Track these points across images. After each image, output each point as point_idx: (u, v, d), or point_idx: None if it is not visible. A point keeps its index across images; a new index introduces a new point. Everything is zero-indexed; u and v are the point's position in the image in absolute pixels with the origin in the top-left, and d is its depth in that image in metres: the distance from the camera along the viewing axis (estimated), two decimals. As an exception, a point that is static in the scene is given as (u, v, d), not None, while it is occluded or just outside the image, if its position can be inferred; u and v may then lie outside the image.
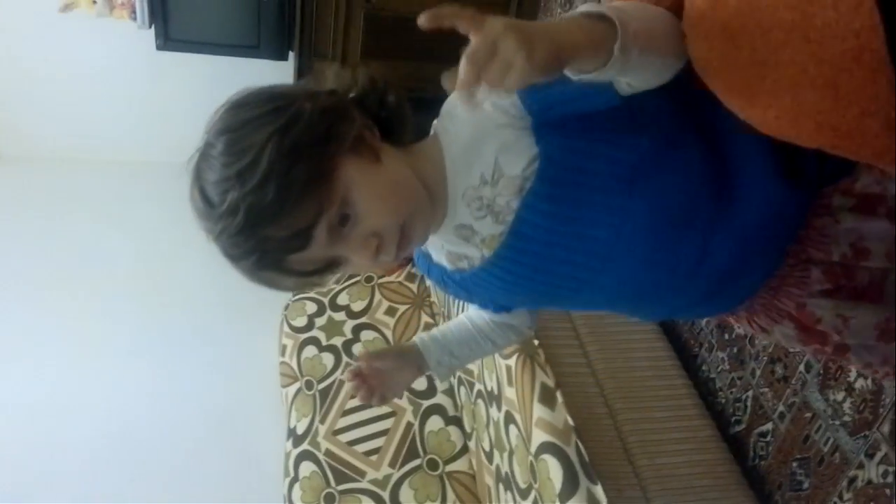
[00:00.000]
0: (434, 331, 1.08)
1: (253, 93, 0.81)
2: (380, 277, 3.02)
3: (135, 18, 3.36)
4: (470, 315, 1.08)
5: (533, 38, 0.63)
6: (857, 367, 0.92)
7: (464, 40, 0.74)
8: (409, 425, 2.44)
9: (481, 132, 0.81)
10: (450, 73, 0.66)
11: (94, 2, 3.45)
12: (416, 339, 1.07)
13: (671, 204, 0.80)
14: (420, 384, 2.54)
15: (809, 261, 0.83)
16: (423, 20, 0.67)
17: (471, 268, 0.90)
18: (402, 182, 0.82)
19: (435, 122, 0.87)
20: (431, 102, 3.23)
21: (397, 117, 0.86)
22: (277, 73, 3.67)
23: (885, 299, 0.84)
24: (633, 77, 0.75)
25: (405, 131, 0.87)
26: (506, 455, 1.94)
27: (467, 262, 0.90)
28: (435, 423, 2.45)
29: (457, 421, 2.46)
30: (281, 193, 0.72)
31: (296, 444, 2.45)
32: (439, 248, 0.93)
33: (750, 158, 0.80)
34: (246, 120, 0.77)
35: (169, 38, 3.37)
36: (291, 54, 3.49)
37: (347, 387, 0.99)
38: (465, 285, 0.93)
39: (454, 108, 0.85)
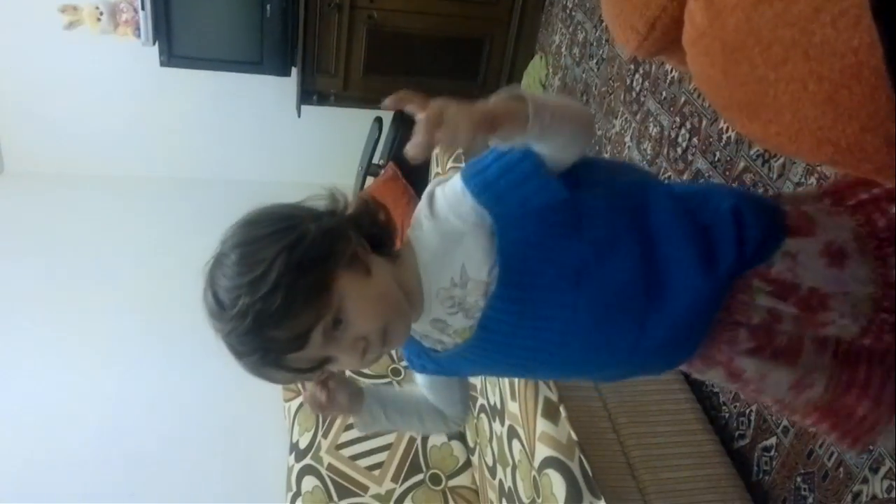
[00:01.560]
0: (382, 388, 1.22)
1: (264, 212, 0.92)
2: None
3: (139, 35, 3.39)
4: (413, 390, 1.21)
5: (469, 106, 0.78)
6: (769, 403, 1.11)
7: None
8: (412, 440, 2.43)
9: (447, 242, 0.93)
10: (393, 97, 0.80)
11: (99, 19, 3.49)
12: (364, 385, 1.19)
13: (610, 296, 0.93)
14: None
15: (736, 323, 0.97)
16: (387, 103, 0.80)
17: (444, 350, 1.03)
18: (387, 293, 0.93)
19: (408, 230, 0.99)
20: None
21: (386, 234, 0.98)
22: (280, 88, 3.70)
23: (800, 360, 1.00)
24: (549, 144, 0.89)
25: (392, 245, 0.99)
26: (509, 470, 1.93)
27: (441, 346, 1.03)
28: (438, 437, 2.45)
29: (460, 436, 2.45)
30: (286, 302, 0.83)
31: (298, 459, 2.44)
32: (417, 332, 1.04)
33: (676, 254, 0.92)
34: (258, 237, 0.88)
35: (172, 55, 3.40)
36: (294, 70, 3.51)
37: (307, 394, 1.10)
38: (440, 362, 1.06)
39: (421, 219, 0.96)
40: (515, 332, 0.96)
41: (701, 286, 0.92)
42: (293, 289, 0.83)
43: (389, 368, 2.66)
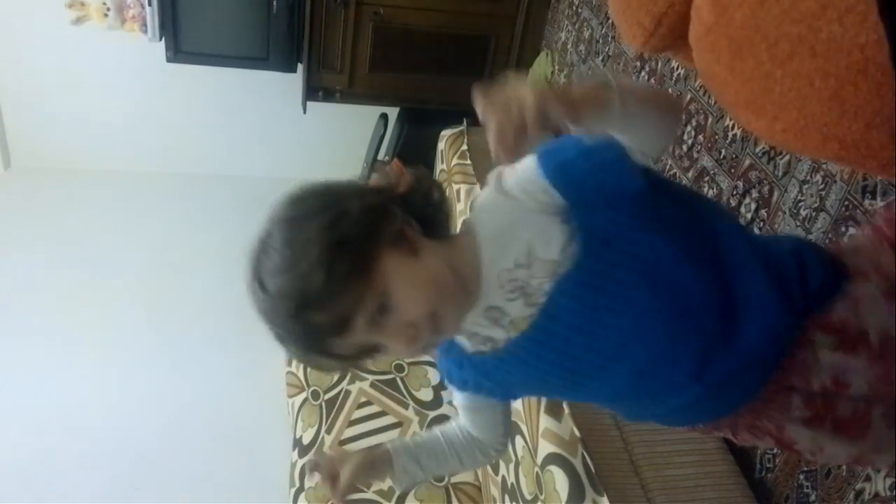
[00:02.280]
0: (407, 438, 1.16)
1: (309, 188, 0.88)
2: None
3: (145, 31, 3.39)
4: (443, 429, 1.16)
5: (546, 90, 0.75)
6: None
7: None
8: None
9: (515, 218, 0.87)
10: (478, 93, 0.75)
11: (106, 15, 3.49)
12: (387, 444, 1.14)
13: (685, 306, 0.86)
14: (426, 395, 2.54)
15: (792, 388, 0.90)
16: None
17: (493, 350, 0.95)
18: (437, 276, 0.87)
19: (466, 216, 0.94)
20: (438, 114, 3.28)
21: (439, 213, 0.93)
22: (286, 84, 3.70)
23: (866, 436, 0.91)
24: (634, 133, 0.83)
25: (445, 226, 0.94)
26: (512, 466, 1.94)
27: (491, 344, 0.95)
28: (441, 434, 2.45)
29: (463, 432, 2.45)
30: (326, 282, 0.80)
31: (302, 454, 2.45)
32: (465, 330, 0.96)
33: (751, 284, 0.87)
34: (300, 215, 0.84)
35: (179, 51, 3.40)
36: (300, 66, 3.51)
37: (311, 476, 1.10)
38: (484, 368, 0.98)
39: (485, 197, 0.92)
40: (579, 324, 0.88)
41: (778, 318, 0.87)
42: (333, 268, 0.80)
43: (393, 364, 2.66)
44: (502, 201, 0.89)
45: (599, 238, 0.85)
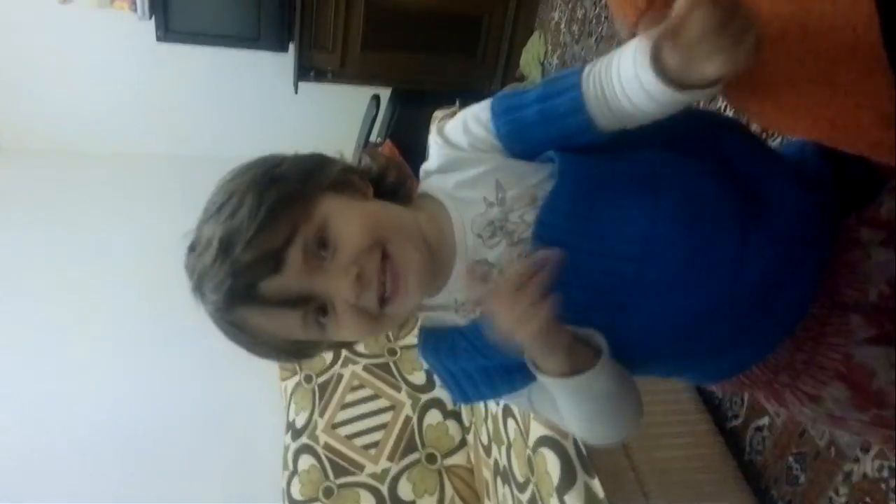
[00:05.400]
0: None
1: (260, 156, 0.84)
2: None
3: (135, 10, 3.36)
4: None
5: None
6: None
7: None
8: (408, 419, 2.44)
9: (471, 162, 0.80)
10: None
11: (94, -7, 3.45)
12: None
13: (700, 203, 0.76)
14: (419, 378, 2.54)
15: (846, 307, 0.77)
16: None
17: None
18: (386, 212, 0.80)
19: (420, 189, 0.86)
20: (431, 95, 3.24)
21: (396, 183, 0.88)
22: (277, 64, 3.67)
23: None
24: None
25: (400, 192, 0.87)
26: (504, 449, 1.94)
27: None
28: (433, 416, 2.45)
29: (455, 415, 2.46)
30: (251, 215, 0.73)
31: (295, 438, 2.45)
32: (452, 310, 0.84)
33: (763, 170, 0.79)
34: (240, 170, 0.80)
35: (169, 30, 3.37)
36: (291, 46, 3.48)
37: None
38: (482, 343, 0.79)
39: (434, 157, 0.85)
40: (582, 245, 0.75)
41: (804, 195, 0.77)
42: (261, 202, 0.73)
43: (386, 348, 2.66)
44: (450, 152, 0.82)
45: (578, 162, 0.76)
